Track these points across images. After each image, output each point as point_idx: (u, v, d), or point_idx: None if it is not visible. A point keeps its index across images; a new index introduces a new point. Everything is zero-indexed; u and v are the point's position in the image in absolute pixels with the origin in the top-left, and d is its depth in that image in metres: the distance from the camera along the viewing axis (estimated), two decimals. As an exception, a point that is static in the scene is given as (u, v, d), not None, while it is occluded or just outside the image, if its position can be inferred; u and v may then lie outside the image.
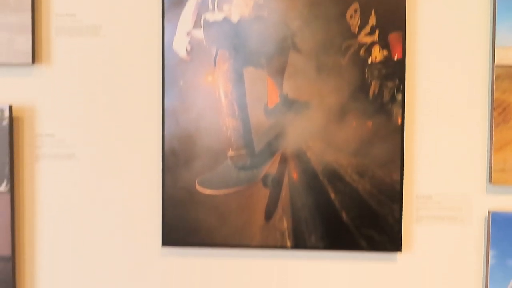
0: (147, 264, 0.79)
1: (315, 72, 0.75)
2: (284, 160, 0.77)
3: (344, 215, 0.77)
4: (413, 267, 0.78)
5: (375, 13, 0.73)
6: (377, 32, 0.74)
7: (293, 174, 0.78)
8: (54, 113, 0.78)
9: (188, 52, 0.76)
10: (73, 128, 0.78)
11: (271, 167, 0.78)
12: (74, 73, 0.78)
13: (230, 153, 0.77)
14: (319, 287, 0.79)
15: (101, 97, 0.78)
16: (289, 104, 0.76)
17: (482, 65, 0.75)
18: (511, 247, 0.76)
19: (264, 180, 0.78)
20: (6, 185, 0.75)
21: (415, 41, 0.75)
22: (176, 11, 0.75)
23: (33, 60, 0.76)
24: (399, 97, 0.74)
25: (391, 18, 0.74)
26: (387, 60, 0.74)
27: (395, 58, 0.74)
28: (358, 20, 0.74)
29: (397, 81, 0.74)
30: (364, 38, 0.74)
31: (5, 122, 0.75)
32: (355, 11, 0.74)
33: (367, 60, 0.74)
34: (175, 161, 0.77)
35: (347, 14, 0.74)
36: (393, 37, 0.74)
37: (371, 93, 0.75)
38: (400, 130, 0.75)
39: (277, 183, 0.78)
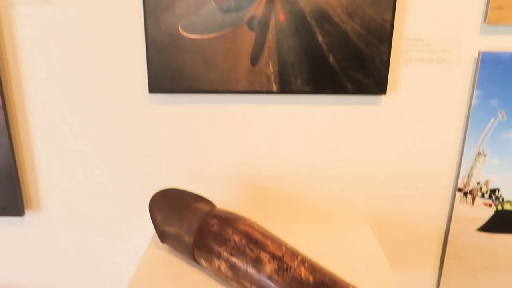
0: (135, 111, 0.80)
1: None
2: (270, 1, 0.73)
3: (331, 58, 0.76)
4: (397, 110, 0.79)
5: None
6: None
7: (279, 15, 0.74)
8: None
9: None
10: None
11: (257, 9, 0.74)
12: None
13: (213, -8, 0.73)
14: (305, 131, 0.81)
15: None
16: None
17: None
18: (496, 87, 0.76)
19: (250, 23, 0.75)
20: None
21: None
22: None
23: None
24: None
25: None
26: None
27: None
28: None
29: None
30: None
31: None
32: None
33: None
34: (156, 4, 0.73)
35: None
36: None
37: None
38: (395, -38, 0.70)
39: (263, 26, 0.75)
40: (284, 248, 0.61)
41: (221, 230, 0.64)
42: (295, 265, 0.58)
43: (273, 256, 0.60)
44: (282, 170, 0.84)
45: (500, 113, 0.79)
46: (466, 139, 0.81)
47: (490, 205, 0.85)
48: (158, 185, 0.85)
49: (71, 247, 0.90)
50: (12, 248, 0.90)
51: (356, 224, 0.87)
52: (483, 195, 0.85)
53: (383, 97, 0.79)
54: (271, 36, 0.76)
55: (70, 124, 0.81)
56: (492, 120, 0.79)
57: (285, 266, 0.58)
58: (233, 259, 0.61)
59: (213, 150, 0.83)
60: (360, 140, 0.82)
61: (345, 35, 0.75)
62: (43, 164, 0.84)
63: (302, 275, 0.57)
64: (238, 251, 0.62)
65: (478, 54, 0.75)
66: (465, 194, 0.85)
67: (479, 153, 0.82)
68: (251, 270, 0.60)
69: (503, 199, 0.85)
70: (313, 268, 0.58)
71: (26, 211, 0.87)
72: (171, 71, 0.77)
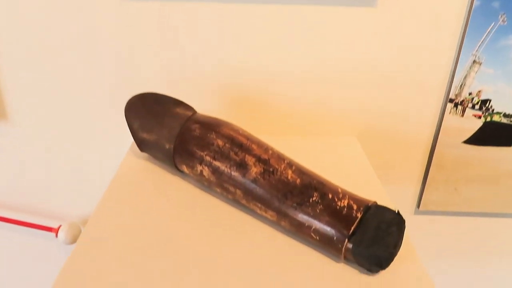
0: (109, 8, 0.72)
1: None
2: None
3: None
4: (392, 12, 0.73)
5: None
6: None
7: None
8: None
9: None
10: None
11: None
12: None
13: None
14: (294, 35, 0.75)
15: None
16: None
17: None
18: (501, -14, 0.70)
19: None
20: None
21: None
22: None
23: None
24: None
25: None
26: None
27: None
28: None
29: None
30: None
31: None
32: None
33: None
34: None
35: None
36: None
37: None
38: None
39: None
40: (270, 152, 0.58)
41: (204, 135, 0.60)
42: (281, 168, 0.56)
43: (259, 159, 0.57)
44: (269, 80, 0.79)
45: (501, 16, 0.74)
46: (463, 45, 0.76)
47: (480, 117, 0.83)
48: (134, 92, 0.79)
49: (42, 157, 0.85)
50: (-19, 160, 0.85)
51: (344, 136, 0.85)
52: (473, 106, 0.82)
53: (379, -3, 0.72)
54: None
55: (38, 25, 0.73)
56: (492, 24, 0.74)
57: (271, 169, 0.56)
58: (216, 163, 0.58)
59: (196, 55, 0.76)
60: (350, 45, 0.76)
61: None
62: (7, 70, 0.76)
63: (289, 177, 0.55)
64: (221, 155, 0.58)
65: None
66: (456, 105, 0.82)
67: (474, 61, 0.78)
68: (235, 174, 0.57)
69: (493, 110, 0.83)
70: (300, 171, 0.56)
71: (-8, 121, 0.81)
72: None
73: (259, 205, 0.56)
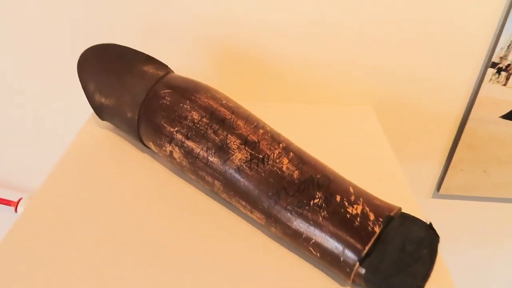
0: None
1: None
2: None
3: None
4: None
5: None
6: None
7: None
8: None
9: None
10: None
11: None
12: None
13: None
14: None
15: None
16: None
17: None
18: None
19: None
20: None
21: None
22: None
23: None
24: None
25: None
26: None
27: None
28: None
29: None
30: None
31: None
32: None
33: None
34: None
35: None
36: None
37: None
38: None
39: None
40: (261, 131, 0.44)
41: (175, 104, 0.46)
42: (275, 155, 0.41)
43: (245, 142, 0.42)
44: (268, 34, 0.63)
45: None
46: (519, -6, 0.59)
47: (527, 87, 0.68)
48: (94, 42, 0.63)
49: (-4, 121, 0.71)
50: None
51: (357, 106, 0.69)
52: (520, 74, 0.66)
53: None
54: None
55: None
56: (563, -34, 0.57)
57: (260, 156, 0.41)
58: (190, 144, 0.44)
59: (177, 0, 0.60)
60: (375, -11, 0.59)
61: None
62: None
63: (284, 168, 0.40)
64: (196, 133, 0.44)
65: None
66: (499, 70, 0.66)
67: (530, 16, 0.61)
68: (213, 159, 0.43)
69: (544, 80, 0.67)
70: (300, 160, 0.42)
71: None
72: None
73: (243, 203, 0.42)
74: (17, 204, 0.76)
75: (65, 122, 0.71)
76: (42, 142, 0.74)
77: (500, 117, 0.71)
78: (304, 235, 0.38)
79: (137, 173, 0.51)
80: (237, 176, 0.41)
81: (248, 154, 0.41)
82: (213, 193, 0.47)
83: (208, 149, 0.43)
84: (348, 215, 0.37)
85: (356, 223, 0.36)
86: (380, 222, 0.36)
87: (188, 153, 0.44)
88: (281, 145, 0.43)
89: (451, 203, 0.81)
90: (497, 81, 0.67)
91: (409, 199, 0.50)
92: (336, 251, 0.36)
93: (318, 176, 0.40)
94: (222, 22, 0.61)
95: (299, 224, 0.38)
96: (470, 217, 0.84)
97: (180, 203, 0.47)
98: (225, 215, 0.45)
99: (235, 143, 0.42)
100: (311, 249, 0.38)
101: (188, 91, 0.46)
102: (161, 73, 0.50)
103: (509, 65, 0.65)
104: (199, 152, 0.43)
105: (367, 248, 0.35)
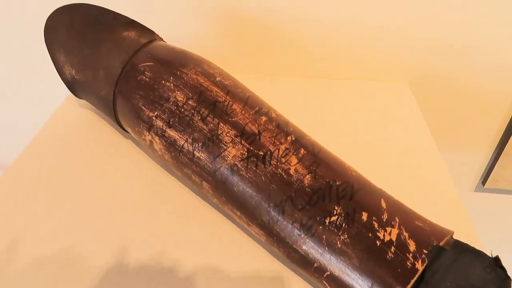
0: None
1: None
2: None
3: None
4: None
5: None
6: None
7: None
8: None
9: None
10: None
11: None
12: None
13: None
14: None
15: None
16: None
17: None
18: None
19: None
20: None
21: None
22: None
23: None
24: None
25: None
26: None
27: None
28: None
29: None
30: None
31: None
32: None
33: None
34: None
35: None
36: None
37: None
38: None
39: None
40: (263, 119, 0.33)
41: (155, 80, 0.35)
42: (280, 152, 0.31)
43: (242, 133, 0.32)
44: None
45: None
46: None
47: None
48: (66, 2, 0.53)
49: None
50: None
51: (391, 83, 0.57)
52: None
53: None
54: None
55: None
56: None
57: (261, 153, 0.31)
58: (172, 134, 0.34)
59: None
60: None
61: None
62: None
63: (292, 170, 0.30)
64: (180, 119, 0.34)
65: None
66: None
67: None
68: (200, 154, 0.33)
69: None
70: (314, 159, 0.31)
71: None
72: None
73: (238, 213, 0.32)
74: None
75: (43, 98, 0.62)
76: (19, 120, 0.65)
77: None
78: (315, 264, 0.28)
79: (117, 161, 0.41)
80: (229, 178, 0.31)
81: (245, 149, 0.31)
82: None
83: (194, 141, 0.33)
84: (378, 242, 0.26)
85: (390, 254, 0.26)
86: (424, 255, 0.26)
87: (170, 145, 0.34)
88: (289, 138, 0.32)
89: (498, 199, 0.69)
90: None
91: (450, 194, 0.40)
92: (359, 291, 0.26)
93: (337, 183, 0.29)
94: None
95: (310, 249, 0.28)
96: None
97: (170, 203, 0.37)
98: (218, 214, 0.36)
99: (228, 134, 0.32)
100: (325, 283, 0.28)
101: (173, 64, 0.36)
102: (143, 40, 0.40)
103: None
104: (183, 145, 0.33)
105: (404, 292, 0.25)
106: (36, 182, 0.39)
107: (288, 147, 0.31)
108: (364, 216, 0.28)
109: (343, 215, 0.28)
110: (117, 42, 0.40)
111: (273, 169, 0.30)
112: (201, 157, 0.33)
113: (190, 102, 0.34)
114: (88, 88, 0.42)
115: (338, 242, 0.27)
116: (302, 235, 0.28)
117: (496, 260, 0.25)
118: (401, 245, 0.26)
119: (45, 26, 0.43)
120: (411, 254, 0.26)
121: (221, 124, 0.32)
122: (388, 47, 0.54)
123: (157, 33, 0.42)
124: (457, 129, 0.62)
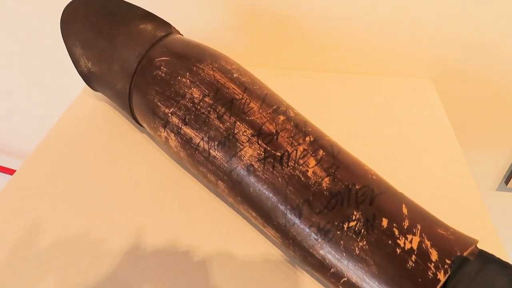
0: None
1: None
2: None
3: None
4: None
5: None
6: None
7: None
8: None
9: None
10: None
11: None
12: None
13: None
14: None
15: None
16: None
17: None
18: None
19: None
20: None
21: None
22: None
23: None
24: None
25: None
26: None
27: None
28: None
29: None
30: None
31: None
32: None
33: None
34: None
35: None
36: None
37: None
38: None
39: None
40: (281, 118, 0.32)
41: (172, 76, 0.35)
42: (298, 153, 0.30)
43: (259, 132, 0.31)
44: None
45: None
46: None
47: None
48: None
49: None
50: None
51: (413, 78, 0.56)
52: None
53: None
54: None
55: None
56: None
57: (278, 153, 0.30)
58: (187, 131, 0.33)
59: None
60: None
61: None
62: None
63: (310, 173, 0.29)
64: (196, 117, 0.33)
65: None
66: None
67: None
68: (216, 153, 0.32)
69: None
70: (334, 162, 0.30)
71: None
72: None
73: (253, 213, 0.32)
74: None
75: (60, 90, 0.62)
76: (37, 112, 0.66)
77: None
78: (332, 269, 0.27)
79: (133, 154, 0.41)
80: (246, 178, 0.31)
81: (262, 150, 0.30)
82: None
83: (210, 139, 0.32)
84: (398, 250, 0.26)
85: (410, 263, 0.25)
86: (447, 265, 0.25)
87: (186, 143, 0.34)
88: (307, 138, 0.31)
89: (520, 198, 0.67)
90: None
91: (471, 192, 0.39)
92: (377, 300, 0.25)
93: (357, 186, 0.28)
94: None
95: (327, 254, 0.27)
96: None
97: (185, 196, 0.37)
98: (234, 213, 0.35)
99: (245, 133, 0.31)
100: (342, 289, 0.27)
101: (189, 59, 0.35)
102: (160, 33, 0.39)
103: None
104: (198, 143, 0.33)
105: (424, 303, 0.24)
106: (55, 171, 0.39)
107: (306, 148, 0.30)
108: (384, 222, 0.27)
109: (362, 220, 0.27)
110: (133, 35, 0.39)
111: (291, 170, 0.29)
112: (217, 156, 0.32)
113: (207, 99, 0.33)
114: (103, 81, 0.41)
115: (357, 249, 0.26)
116: (319, 240, 0.28)
117: (524, 272, 0.24)
118: (422, 253, 0.25)
119: (61, 18, 0.42)
120: (432, 264, 0.25)
121: (237, 122, 0.32)
122: (410, 39, 0.52)
123: (173, 25, 0.42)
124: (481, 127, 0.60)
